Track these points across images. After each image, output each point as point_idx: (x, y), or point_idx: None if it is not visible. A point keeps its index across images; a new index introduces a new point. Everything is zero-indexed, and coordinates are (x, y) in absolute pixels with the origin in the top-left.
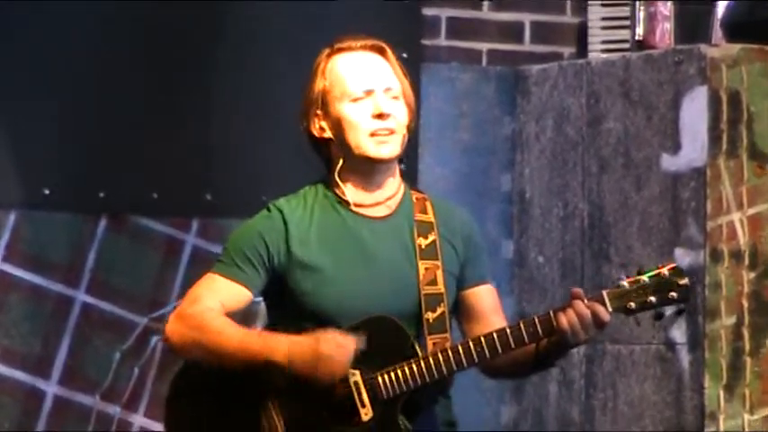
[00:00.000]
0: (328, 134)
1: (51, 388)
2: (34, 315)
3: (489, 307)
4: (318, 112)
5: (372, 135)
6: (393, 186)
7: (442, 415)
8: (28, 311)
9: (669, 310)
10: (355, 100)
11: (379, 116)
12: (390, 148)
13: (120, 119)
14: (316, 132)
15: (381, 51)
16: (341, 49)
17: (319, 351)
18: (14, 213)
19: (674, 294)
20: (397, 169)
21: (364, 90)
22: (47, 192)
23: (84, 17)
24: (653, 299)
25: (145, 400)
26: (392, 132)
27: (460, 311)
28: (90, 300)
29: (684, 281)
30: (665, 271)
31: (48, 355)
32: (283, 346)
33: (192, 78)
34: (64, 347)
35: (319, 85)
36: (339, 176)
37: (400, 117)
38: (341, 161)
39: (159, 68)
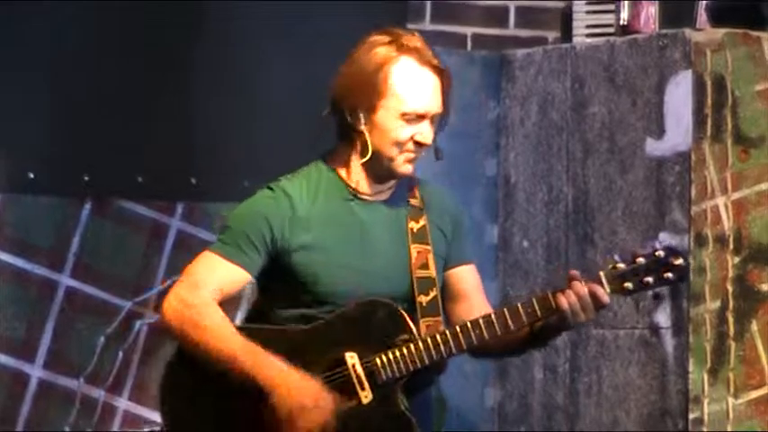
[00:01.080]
0: (362, 128)
1: (36, 371)
2: (18, 299)
3: (472, 286)
4: (366, 107)
5: (405, 153)
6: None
7: (434, 393)
8: (12, 295)
9: (666, 290)
10: (407, 120)
11: (420, 144)
12: (413, 166)
13: (104, 103)
14: (354, 121)
15: (441, 75)
16: (409, 51)
17: (302, 403)
18: None
19: (670, 275)
20: None
21: (418, 114)
22: (31, 176)
23: (67, 5)
24: (650, 279)
25: (129, 383)
26: (421, 152)
27: (443, 291)
28: (74, 284)
29: (680, 261)
30: (660, 251)
31: (32, 339)
32: (272, 377)
33: (178, 63)
34: (48, 331)
35: (378, 85)
36: (353, 164)
37: (431, 139)
38: (364, 155)
39: (144, 53)
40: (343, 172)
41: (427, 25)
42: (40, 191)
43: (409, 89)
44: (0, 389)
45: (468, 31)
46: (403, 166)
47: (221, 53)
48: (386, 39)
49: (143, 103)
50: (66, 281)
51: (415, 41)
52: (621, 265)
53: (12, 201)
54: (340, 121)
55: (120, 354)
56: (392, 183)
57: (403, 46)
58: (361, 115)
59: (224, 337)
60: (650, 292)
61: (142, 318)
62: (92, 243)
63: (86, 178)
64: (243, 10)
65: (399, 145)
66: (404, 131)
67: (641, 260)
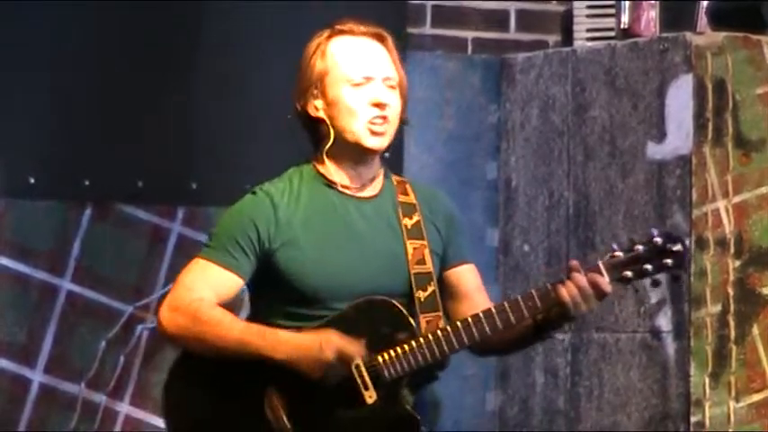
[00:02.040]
0: (322, 114)
1: (37, 376)
2: (19, 303)
3: (473, 286)
4: (315, 91)
5: (368, 123)
6: (375, 168)
7: (429, 398)
8: (13, 300)
9: (665, 278)
10: (355, 85)
11: (378, 105)
12: (383, 140)
13: (105, 107)
14: (311, 111)
15: (382, 39)
16: (342, 32)
17: (322, 359)
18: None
19: (668, 261)
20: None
21: (364, 76)
22: (32, 180)
23: (67, 7)
24: (649, 267)
25: (130, 388)
26: (387, 122)
27: (444, 291)
28: (75, 288)
29: (678, 247)
30: (658, 238)
31: (33, 344)
32: (285, 347)
33: (178, 67)
34: (49, 336)
35: (318, 65)
36: (327, 156)
37: (396, 107)
38: (330, 141)
39: (145, 57)
40: (321, 168)
41: (428, 29)
42: (40, 195)
43: (349, 56)
44: (1, 394)
45: (469, 35)
46: (369, 139)
47: (222, 57)
48: (321, 30)
49: (143, 107)
50: (66, 285)
51: (348, 23)
52: (620, 254)
53: (12, 205)
54: (302, 119)
55: (122, 358)
56: (373, 175)
57: (336, 29)
58: (316, 102)
59: (226, 324)
60: (649, 280)
61: (143, 322)
62: (92, 247)
63: (87, 183)
64: (243, 15)
65: (357, 113)
66: (356, 96)
67: (639, 248)
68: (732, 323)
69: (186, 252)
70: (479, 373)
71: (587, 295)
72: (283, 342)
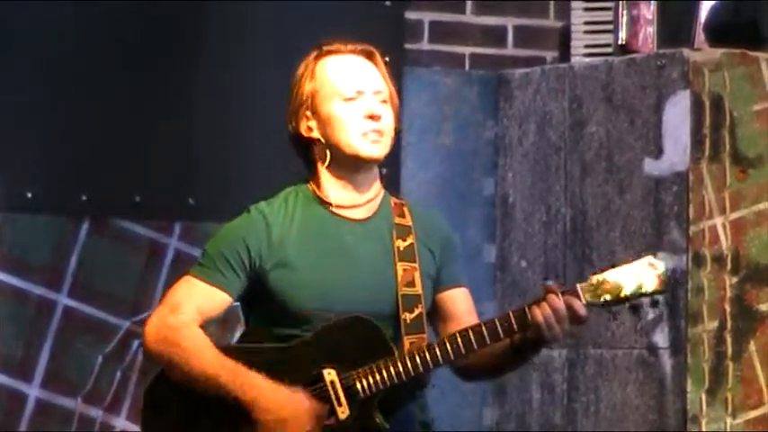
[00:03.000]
0: (316, 134)
1: (33, 391)
2: (16, 318)
3: (464, 309)
4: (308, 112)
5: (363, 135)
6: (374, 190)
7: (418, 416)
8: (10, 314)
9: (644, 303)
10: (346, 100)
11: (371, 117)
12: (380, 148)
13: (103, 122)
14: (304, 132)
15: (370, 56)
16: (330, 52)
17: (284, 416)
18: None
19: (648, 288)
20: (377, 173)
21: (356, 90)
22: (29, 195)
23: (67, 19)
24: (628, 292)
25: (127, 403)
26: (382, 134)
27: (436, 313)
28: (72, 303)
29: (658, 272)
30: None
31: (30, 358)
32: (253, 391)
33: (176, 82)
34: (46, 350)
35: (308, 86)
36: (323, 176)
37: (389, 120)
38: (327, 160)
39: (143, 72)
40: (317, 188)
41: (425, 45)
42: (37, 209)
43: (338, 73)
44: None
45: (467, 50)
46: (366, 147)
47: (221, 73)
48: (310, 53)
49: (141, 122)
50: (63, 300)
51: (335, 43)
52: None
53: (9, 220)
54: (296, 142)
55: (119, 373)
56: (373, 195)
57: (323, 50)
58: (309, 123)
59: (203, 356)
60: (627, 305)
61: (139, 337)
62: (89, 262)
63: (84, 197)
64: (244, 30)
65: (351, 126)
66: (349, 110)
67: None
68: (729, 339)
69: (183, 267)
70: (476, 388)
71: (561, 317)
72: (253, 386)
